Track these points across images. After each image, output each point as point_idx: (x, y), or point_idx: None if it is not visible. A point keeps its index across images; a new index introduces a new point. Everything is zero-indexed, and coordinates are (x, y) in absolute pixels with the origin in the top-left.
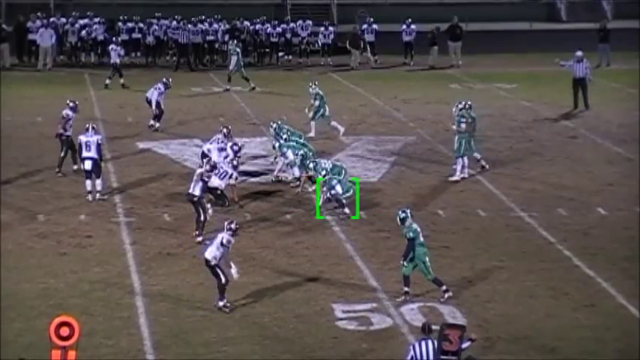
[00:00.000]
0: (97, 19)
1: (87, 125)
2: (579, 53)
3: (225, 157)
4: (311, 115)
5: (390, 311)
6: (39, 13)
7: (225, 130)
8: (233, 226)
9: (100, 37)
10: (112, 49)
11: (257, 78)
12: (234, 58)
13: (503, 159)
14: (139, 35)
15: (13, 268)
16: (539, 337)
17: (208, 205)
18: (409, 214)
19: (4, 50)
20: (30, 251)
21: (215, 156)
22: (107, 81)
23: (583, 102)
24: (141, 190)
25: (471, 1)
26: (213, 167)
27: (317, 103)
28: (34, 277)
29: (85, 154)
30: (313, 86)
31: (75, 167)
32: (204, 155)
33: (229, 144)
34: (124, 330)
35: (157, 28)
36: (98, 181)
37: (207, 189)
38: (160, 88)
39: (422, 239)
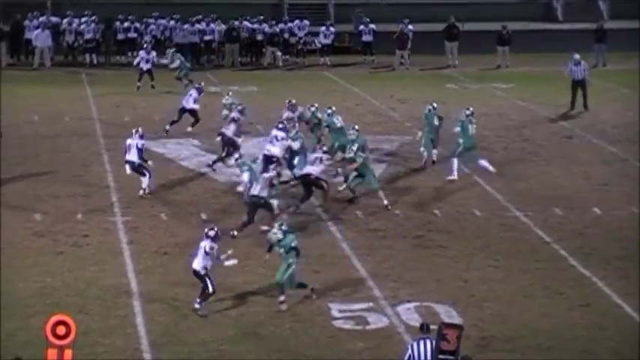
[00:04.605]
0: (93, 19)
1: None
2: (577, 56)
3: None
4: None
5: (386, 311)
6: (35, 12)
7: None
8: (212, 233)
9: (97, 37)
10: (141, 56)
11: (254, 78)
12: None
13: (499, 159)
14: (135, 35)
15: (9, 267)
16: (534, 336)
17: (275, 202)
18: (285, 228)
19: (1, 49)
20: (26, 250)
21: (278, 151)
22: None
23: (583, 103)
24: (137, 189)
25: (468, 1)
26: (279, 174)
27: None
28: (31, 275)
29: (126, 157)
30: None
31: (231, 162)
32: (268, 160)
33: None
34: (121, 329)
35: (154, 27)
36: (145, 179)
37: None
38: (192, 95)
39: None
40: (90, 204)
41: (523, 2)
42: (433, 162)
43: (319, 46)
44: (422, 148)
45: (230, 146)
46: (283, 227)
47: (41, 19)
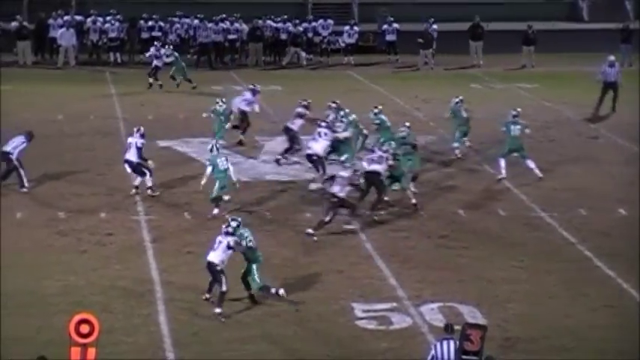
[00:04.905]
0: (118, 17)
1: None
2: (612, 58)
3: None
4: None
5: (409, 311)
6: (59, 11)
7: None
8: (230, 229)
9: (122, 36)
10: (153, 54)
11: (277, 77)
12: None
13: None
14: (159, 33)
15: (33, 266)
16: (558, 337)
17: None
18: (239, 222)
19: (26, 48)
20: (50, 249)
21: (320, 149)
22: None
23: (612, 105)
24: (161, 188)
25: (493, 0)
26: (358, 172)
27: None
28: (54, 274)
29: (125, 155)
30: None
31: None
32: (309, 158)
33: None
34: (144, 327)
35: (178, 26)
36: (147, 178)
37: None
38: (245, 96)
39: (255, 245)
40: (113, 202)
41: (548, 2)
42: (457, 157)
43: (343, 45)
44: (455, 144)
45: (294, 141)
46: (232, 224)
47: (66, 17)
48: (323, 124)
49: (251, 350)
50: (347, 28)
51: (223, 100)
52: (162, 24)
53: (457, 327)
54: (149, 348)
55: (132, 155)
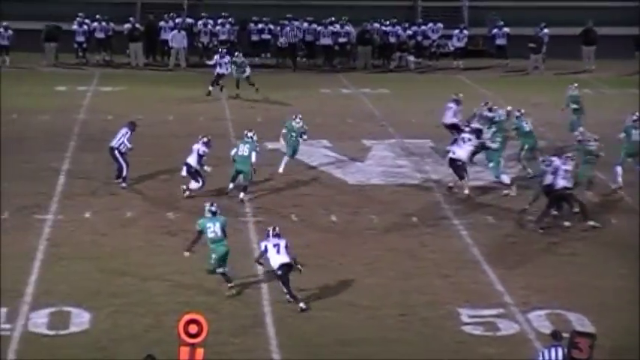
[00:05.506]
0: (229, 20)
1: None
2: None
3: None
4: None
5: (516, 317)
6: (171, 14)
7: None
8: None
9: (232, 38)
10: (218, 63)
11: (385, 80)
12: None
13: (634, 165)
14: (269, 36)
15: (142, 265)
16: None
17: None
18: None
19: (138, 49)
20: (159, 248)
21: (463, 154)
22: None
23: None
24: (269, 190)
25: (605, 4)
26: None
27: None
28: (163, 274)
29: (187, 159)
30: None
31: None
32: (452, 163)
33: None
34: (251, 329)
35: (289, 29)
36: (197, 186)
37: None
38: (452, 107)
39: (218, 236)
40: (221, 204)
41: None
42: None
43: (452, 49)
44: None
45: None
46: (213, 208)
47: (177, 20)
48: (467, 129)
49: (354, 353)
50: (456, 31)
51: (300, 117)
52: (272, 27)
53: (565, 334)
54: (256, 349)
55: (192, 160)
